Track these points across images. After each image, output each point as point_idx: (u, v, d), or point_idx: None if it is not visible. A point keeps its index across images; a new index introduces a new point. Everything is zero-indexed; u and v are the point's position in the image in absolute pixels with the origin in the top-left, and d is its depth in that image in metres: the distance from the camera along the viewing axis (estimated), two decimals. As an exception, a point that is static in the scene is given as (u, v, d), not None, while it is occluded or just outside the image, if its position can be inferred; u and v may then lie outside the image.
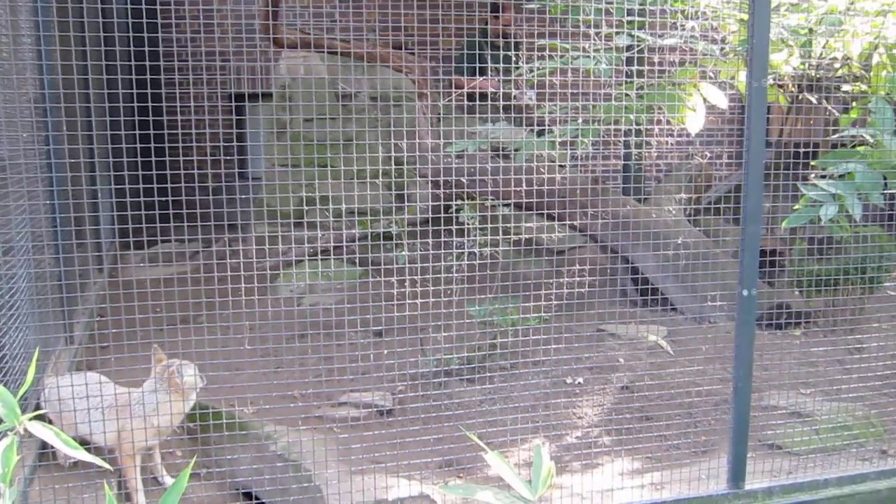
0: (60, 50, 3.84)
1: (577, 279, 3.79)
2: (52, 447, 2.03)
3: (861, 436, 3.56)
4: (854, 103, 4.74)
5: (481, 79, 5.84)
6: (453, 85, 6.41)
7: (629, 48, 4.10)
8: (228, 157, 7.12)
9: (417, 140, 4.92)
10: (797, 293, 4.96)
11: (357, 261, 5.95)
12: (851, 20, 4.33)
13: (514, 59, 4.07)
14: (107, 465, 1.99)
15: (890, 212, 4.28)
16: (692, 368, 4.04)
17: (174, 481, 1.89)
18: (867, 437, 3.57)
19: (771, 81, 4.41)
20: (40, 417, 2.05)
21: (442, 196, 5.63)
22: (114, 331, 3.49)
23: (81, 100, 4.70)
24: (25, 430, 1.86)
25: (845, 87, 4.86)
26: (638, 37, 4.07)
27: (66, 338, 4.16)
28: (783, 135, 5.35)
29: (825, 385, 3.98)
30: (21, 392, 1.99)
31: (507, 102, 6.19)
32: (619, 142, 6.06)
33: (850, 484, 3.23)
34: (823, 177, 3.81)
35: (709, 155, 7.69)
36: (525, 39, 6.60)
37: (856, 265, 4.49)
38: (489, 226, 4.66)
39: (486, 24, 6.65)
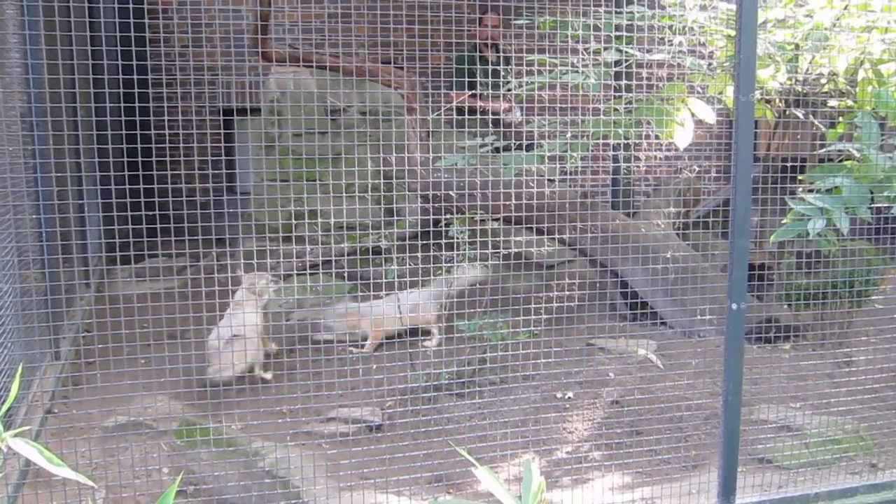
0: (48, 64, 3.82)
1: (567, 293, 3.79)
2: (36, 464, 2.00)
3: (851, 449, 3.55)
4: (840, 118, 4.78)
5: (469, 93, 5.85)
6: (443, 99, 6.43)
7: (617, 63, 4.12)
8: (217, 172, 7.11)
9: (407, 155, 4.92)
10: (786, 307, 4.97)
11: (346, 275, 5.93)
12: (837, 36, 4.36)
13: (502, 74, 4.09)
14: (91, 482, 1.96)
15: (877, 226, 4.30)
16: (682, 383, 4.03)
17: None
18: (857, 450, 3.56)
19: (758, 96, 4.44)
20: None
21: (431, 210, 5.63)
22: (100, 346, 3.46)
23: (69, 114, 4.67)
24: (8, 447, 1.84)
25: (832, 103, 4.89)
26: (626, 52, 4.09)
27: (51, 353, 4.13)
28: (770, 149, 5.38)
29: (814, 399, 3.98)
30: (4, 408, 1.97)
31: (497, 117, 6.21)
32: (608, 156, 6.09)
33: (841, 498, 3.22)
34: (811, 191, 3.82)
35: (697, 169, 7.73)
36: (514, 54, 6.62)
37: (844, 279, 4.50)
38: (478, 240, 4.65)
39: (475, 35, 6.66)
